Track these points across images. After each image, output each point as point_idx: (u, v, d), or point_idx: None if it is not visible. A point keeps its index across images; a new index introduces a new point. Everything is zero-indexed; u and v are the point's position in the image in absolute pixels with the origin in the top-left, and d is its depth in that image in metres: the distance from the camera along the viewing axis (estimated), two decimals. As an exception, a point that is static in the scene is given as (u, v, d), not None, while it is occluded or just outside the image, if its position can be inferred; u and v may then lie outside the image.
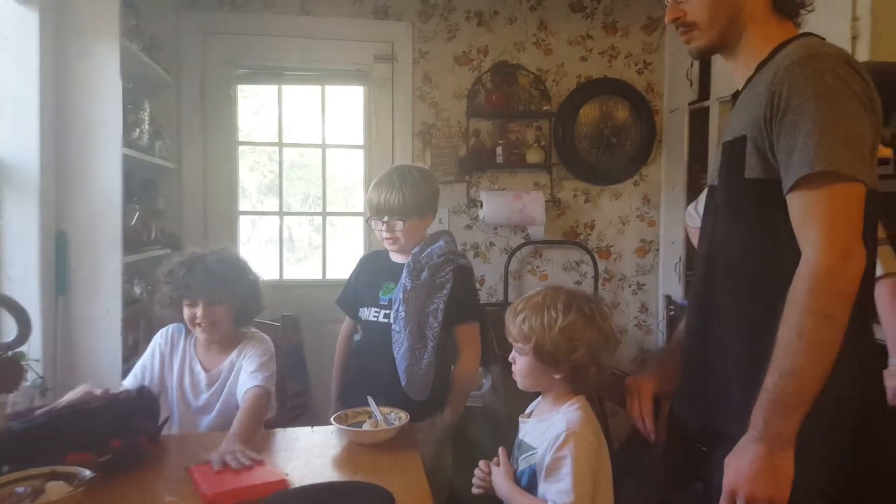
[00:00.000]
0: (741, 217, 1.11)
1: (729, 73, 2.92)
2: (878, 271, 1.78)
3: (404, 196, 1.85)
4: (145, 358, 1.80)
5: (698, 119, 3.10)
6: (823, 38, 1.13)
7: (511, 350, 1.37)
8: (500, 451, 1.37)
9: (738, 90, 1.21)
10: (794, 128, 1.00)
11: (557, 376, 1.29)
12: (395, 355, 1.84)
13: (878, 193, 1.06)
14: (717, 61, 2.91)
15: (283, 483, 1.36)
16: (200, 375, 1.79)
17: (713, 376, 1.17)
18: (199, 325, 1.73)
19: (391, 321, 1.86)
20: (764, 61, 1.12)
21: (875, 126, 1.02)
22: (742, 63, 1.17)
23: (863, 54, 2.02)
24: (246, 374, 1.75)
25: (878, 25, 2.12)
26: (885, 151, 2.19)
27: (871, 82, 1.03)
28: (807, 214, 1.00)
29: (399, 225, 1.88)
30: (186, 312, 1.74)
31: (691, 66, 3.11)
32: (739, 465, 1.01)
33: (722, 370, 1.15)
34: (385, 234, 1.91)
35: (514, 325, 1.31)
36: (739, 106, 1.16)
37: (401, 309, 1.84)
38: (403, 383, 1.83)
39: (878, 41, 2.06)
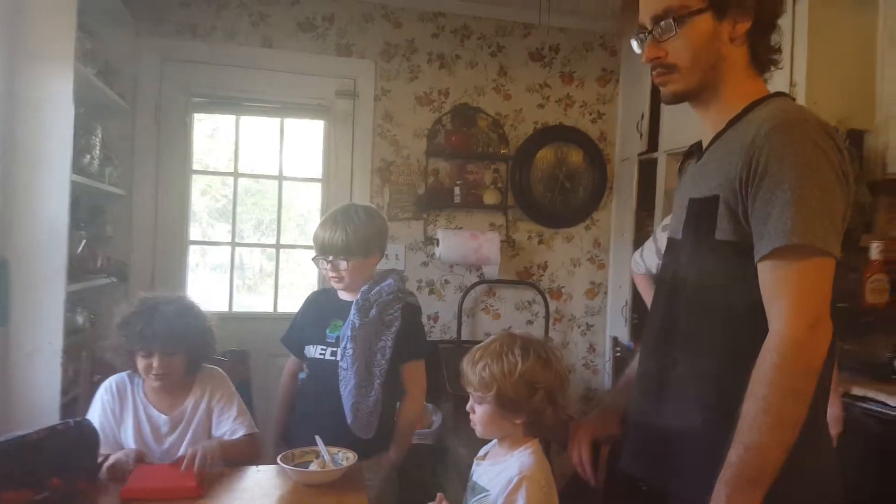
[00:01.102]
0: (709, 277, 1.09)
1: (676, 128, 3.05)
2: None
3: (347, 236, 1.87)
4: (100, 418, 1.72)
5: (647, 169, 3.24)
6: (795, 100, 1.15)
7: (463, 390, 1.37)
8: (439, 498, 1.37)
9: (699, 142, 1.20)
10: (770, 195, 0.99)
11: (518, 421, 1.31)
12: (342, 393, 1.83)
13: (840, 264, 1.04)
14: (666, 115, 3.07)
15: (194, 490, 1.46)
16: (160, 420, 1.74)
17: (666, 436, 1.14)
18: (153, 375, 1.70)
19: (338, 358, 1.86)
20: (736, 118, 1.10)
21: (847, 198, 1.02)
22: (713, 114, 1.15)
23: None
24: (229, 420, 1.77)
25: (812, 91, 2.28)
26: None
27: (846, 153, 1.03)
28: (777, 286, 0.99)
29: (343, 264, 1.89)
30: (141, 363, 1.70)
31: (641, 118, 3.26)
32: None
33: (676, 431, 1.13)
34: (330, 273, 1.92)
35: (474, 374, 1.31)
36: (710, 162, 1.13)
37: (348, 346, 1.84)
38: (350, 421, 1.82)
39: (812, 106, 2.21)
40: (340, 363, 1.85)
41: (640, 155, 3.29)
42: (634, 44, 1.18)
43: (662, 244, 2.36)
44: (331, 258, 1.90)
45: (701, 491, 1.02)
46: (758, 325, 1.01)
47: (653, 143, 3.18)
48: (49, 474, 1.33)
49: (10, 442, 1.33)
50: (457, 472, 2.22)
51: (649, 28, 1.13)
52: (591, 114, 3.58)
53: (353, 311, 1.87)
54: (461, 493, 1.42)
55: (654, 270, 2.39)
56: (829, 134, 1.02)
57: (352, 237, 1.87)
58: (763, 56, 1.14)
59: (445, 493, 1.41)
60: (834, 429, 1.85)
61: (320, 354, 1.91)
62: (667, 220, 2.44)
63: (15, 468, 1.29)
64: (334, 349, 1.88)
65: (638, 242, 3.14)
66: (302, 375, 2.05)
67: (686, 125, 2.79)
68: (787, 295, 0.98)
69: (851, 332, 2.18)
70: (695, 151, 1.23)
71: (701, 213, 1.10)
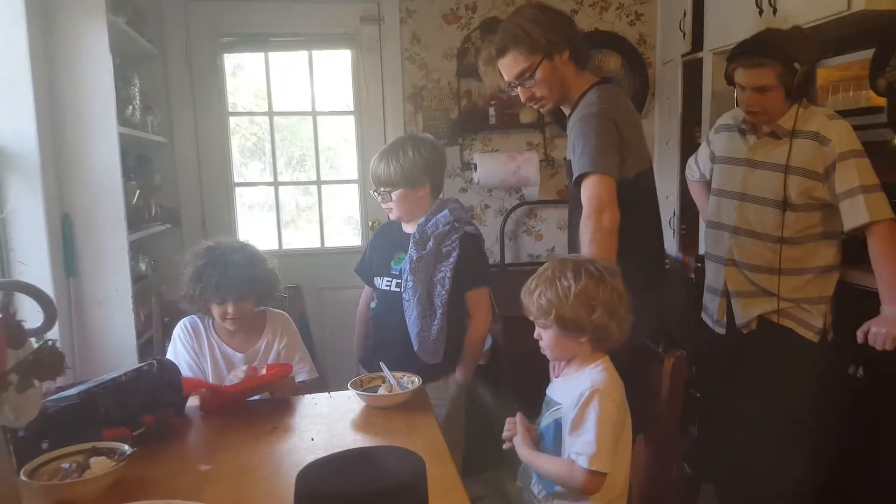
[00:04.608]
0: (578, 204, 1.69)
1: (722, 24, 2.89)
2: (865, 218, 1.81)
3: (390, 167, 1.93)
4: (183, 356, 1.83)
5: (692, 70, 3.10)
6: (608, 83, 1.84)
7: (519, 313, 1.43)
8: (518, 416, 1.44)
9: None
10: (572, 150, 1.71)
11: (583, 339, 1.35)
12: (407, 321, 1.91)
13: (650, 174, 1.82)
14: (711, 11, 2.91)
15: (287, 367, 1.76)
16: (236, 357, 1.85)
17: None
18: (230, 319, 1.80)
19: (402, 290, 1.92)
20: (573, 106, 1.79)
21: (624, 138, 1.69)
22: (569, 104, 1.82)
23: (859, 3, 2.04)
24: (291, 362, 1.87)
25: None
26: (879, 100, 2.22)
27: (624, 114, 1.74)
28: (583, 194, 1.65)
29: (390, 195, 1.95)
30: (216, 310, 1.80)
31: (684, 16, 3.09)
32: None
33: None
34: (382, 204, 2.01)
35: (533, 303, 1.36)
36: (569, 135, 1.78)
37: (408, 278, 1.90)
38: (416, 348, 1.90)
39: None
40: (403, 294, 1.92)
41: (683, 56, 3.14)
42: (513, 91, 1.82)
43: (716, 146, 2.30)
44: (382, 189, 1.96)
45: None
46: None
47: (697, 43, 3.02)
48: (142, 412, 1.43)
49: (105, 384, 1.42)
50: (511, 391, 2.28)
51: (515, 84, 1.78)
52: (628, 16, 3.41)
53: (410, 244, 1.92)
54: (515, 411, 1.48)
55: (707, 176, 2.33)
56: (608, 113, 1.69)
57: (394, 168, 1.92)
58: (583, 60, 1.81)
59: (504, 412, 1.47)
60: None
61: (386, 286, 1.99)
62: (721, 121, 2.35)
63: (112, 408, 1.39)
64: (398, 280, 1.95)
65: (685, 150, 3.05)
66: (373, 304, 2.11)
67: (733, 19, 2.64)
68: (585, 198, 1.64)
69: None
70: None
71: (568, 167, 1.78)
